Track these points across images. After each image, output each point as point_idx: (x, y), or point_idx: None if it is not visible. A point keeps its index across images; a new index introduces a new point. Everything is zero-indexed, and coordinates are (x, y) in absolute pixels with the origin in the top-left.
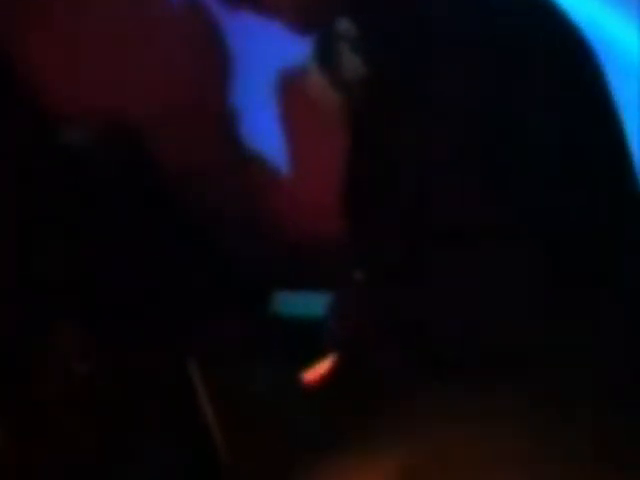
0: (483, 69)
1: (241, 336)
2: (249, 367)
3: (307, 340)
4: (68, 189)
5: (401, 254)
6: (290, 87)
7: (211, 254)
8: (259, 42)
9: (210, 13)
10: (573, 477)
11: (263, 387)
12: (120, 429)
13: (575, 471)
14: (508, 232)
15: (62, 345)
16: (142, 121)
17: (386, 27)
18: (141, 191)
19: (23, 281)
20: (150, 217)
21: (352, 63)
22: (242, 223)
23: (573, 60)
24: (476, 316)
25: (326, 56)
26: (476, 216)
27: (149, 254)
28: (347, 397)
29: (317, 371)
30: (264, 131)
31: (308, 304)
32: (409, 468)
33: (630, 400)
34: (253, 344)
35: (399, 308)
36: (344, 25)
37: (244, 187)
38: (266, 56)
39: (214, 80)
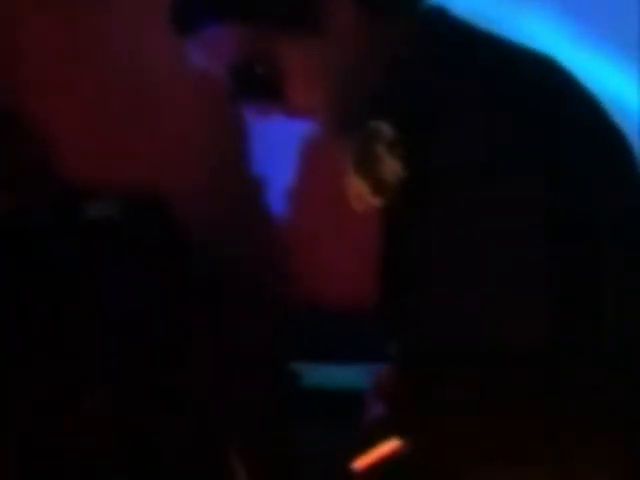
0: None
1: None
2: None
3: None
4: (95, 259)
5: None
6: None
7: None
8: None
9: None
10: None
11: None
12: None
13: None
14: None
15: (92, 410)
16: (168, 194)
17: (421, 127)
18: (168, 264)
19: (56, 346)
20: (172, 288)
21: (391, 167)
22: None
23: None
24: None
25: (365, 162)
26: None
27: (172, 320)
28: None
29: (369, 459)
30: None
31: (339, 376)
32: None
33: None
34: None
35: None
36: (380, 128)
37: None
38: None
39: (235, 151)
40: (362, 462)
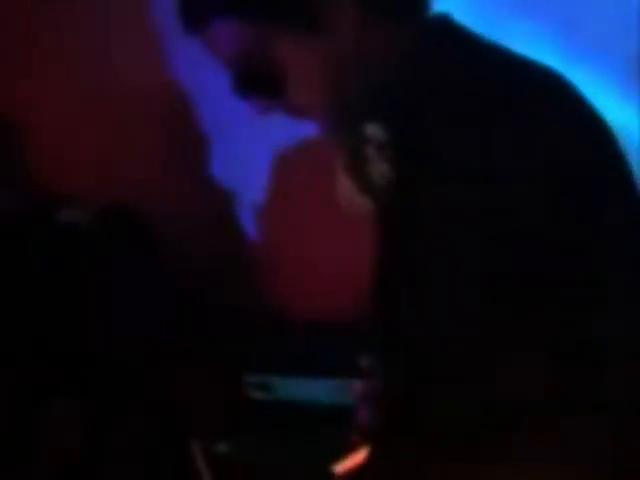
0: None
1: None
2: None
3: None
4: (67, 264)
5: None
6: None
7: (206, 330)
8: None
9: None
10: None
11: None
12: None
13: None
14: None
15: (57, 420)
16: (140, 200)
17: (414, 131)
18: (138, 267)
19: (25, 354)
20: (146, 291)
21: (380, 168)
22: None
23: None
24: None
25: (355, 162)
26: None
27: (145, 327)
28: None
29: (348, 464)
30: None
31: (307, 389)
32: None
33: None
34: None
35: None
36: (372, 130)
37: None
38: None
39: (208, 159)
40: (343, 467)
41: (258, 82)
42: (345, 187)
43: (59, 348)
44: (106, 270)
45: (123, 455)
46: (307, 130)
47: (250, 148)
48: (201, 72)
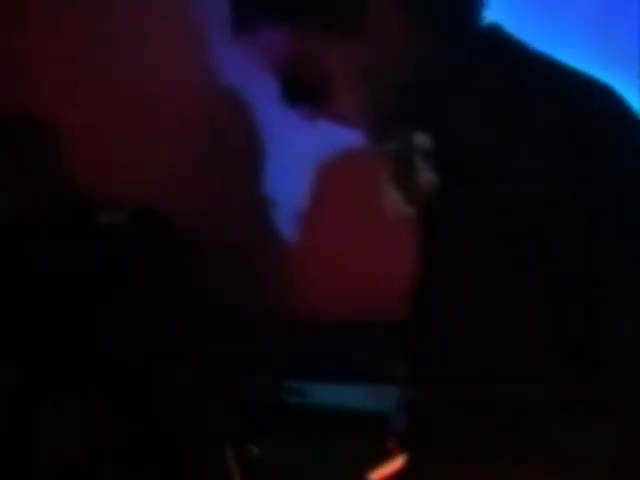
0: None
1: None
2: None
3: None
4: (98, 262)
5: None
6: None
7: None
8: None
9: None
10: None
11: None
12: None
13: None
14: None
15: (57, 420)
16: (172, 204)
17: (461, 138)
18: (167, 269)
19: (30, 351)
20: (169, 294)
21: (426, 177)
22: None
23: None
24: None
25: (402, 171)
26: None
27: (162, 329)
28: None
29: (384, 471)
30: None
31: (341, 394)
32: None
33: None
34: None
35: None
36: (419, 138)
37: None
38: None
39: (247, 165)
40: (379, 474)
41: (304, 89)
42: (391, 196)
43: (60, 348)
44: (127, 271)
45: (124, 456)
46: (351, 138)
47: (292, 153)
48: (244, 76)
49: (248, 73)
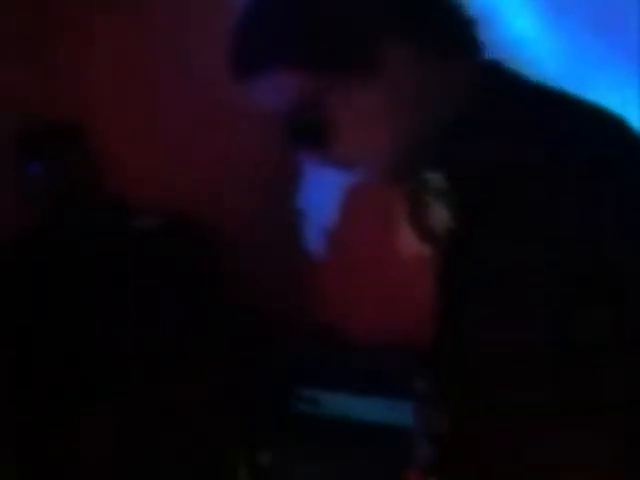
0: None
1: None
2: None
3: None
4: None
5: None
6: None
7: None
8: None
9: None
10: None
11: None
12: None
13: None
14: None
15: (90, 421)
16: (205, 212)
17: (474, 180)
18: (198, 275)
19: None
20: (199, 300)
21: (439, 216)
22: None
23: None
24: None
25: (415, 209)
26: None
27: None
28: None
29: None
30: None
31: (356, 406)
32: None
33: None
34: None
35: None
36: (431, 177)
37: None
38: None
39: (282, 183)
40: None
41: (307, 133)
42: (407, 234)
43: (94, 350)
44: (159, 274)
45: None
46: None
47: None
48: None
49: None
